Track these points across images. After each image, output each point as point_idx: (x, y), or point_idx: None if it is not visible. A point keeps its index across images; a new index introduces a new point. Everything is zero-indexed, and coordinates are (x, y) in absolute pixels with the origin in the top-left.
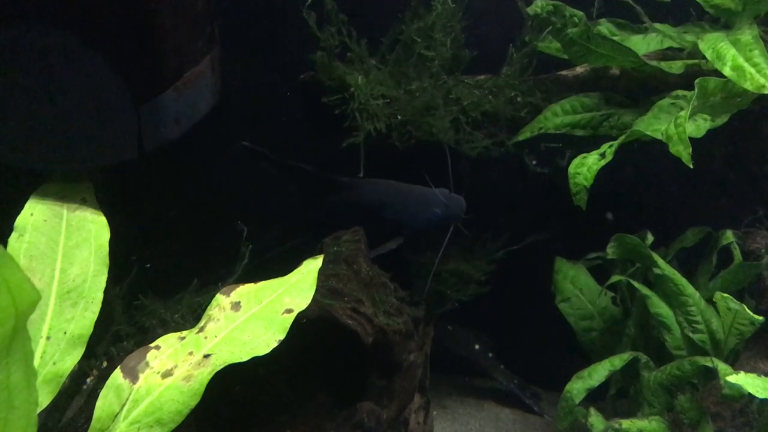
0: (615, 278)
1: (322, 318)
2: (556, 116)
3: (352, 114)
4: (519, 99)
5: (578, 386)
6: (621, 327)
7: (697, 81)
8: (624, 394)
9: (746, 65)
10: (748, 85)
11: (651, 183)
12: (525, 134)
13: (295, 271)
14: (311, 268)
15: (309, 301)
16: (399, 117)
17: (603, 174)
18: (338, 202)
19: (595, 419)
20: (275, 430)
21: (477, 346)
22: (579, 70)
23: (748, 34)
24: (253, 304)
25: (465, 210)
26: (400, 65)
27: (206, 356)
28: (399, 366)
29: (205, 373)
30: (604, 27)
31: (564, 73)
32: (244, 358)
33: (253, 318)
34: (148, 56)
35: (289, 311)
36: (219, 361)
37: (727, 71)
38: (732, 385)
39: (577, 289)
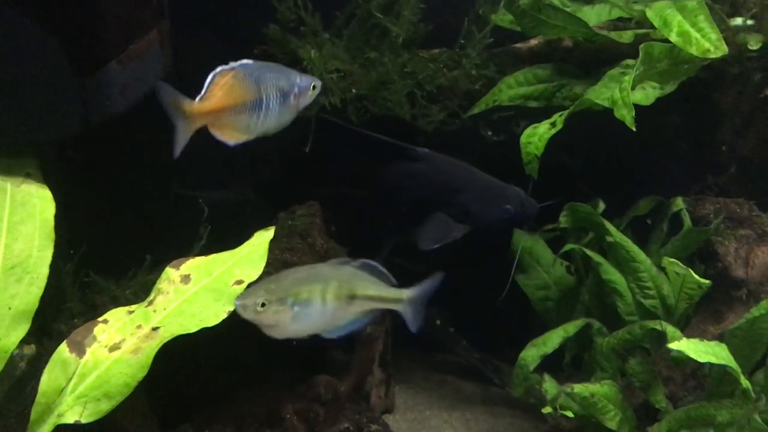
0: (568, 246)
1: None
2: (510, 88)
3: None
4: (474, 72)
5: (532, 353)
6: (576, 295)
7: (641, 46)
8: (579, 361)
9: (692, 30)
10: (693, 50)
11: (606, 153)
12: (480, 107)
13: (247, 242)
14: (262, 239)
15: (260, 272)
16: (354, 91)
17: (557, 144)
18: (410, 173)
19: (549, 385)
20: (235, 404)
21: (438, 322)
22: (533, 42)
23: (694, 0)
24: (204, 277)
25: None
26: (355, 39)
27: (155, 329)
28: (356, 339)
29: (153, 345)
30: None
31: (518, 45)
32: (193, 329)
33: (203, 290)
34: (91, 28)
35: (239, 282)
36: (167, 333)
37: (673, 37)
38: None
39: (533, 260)
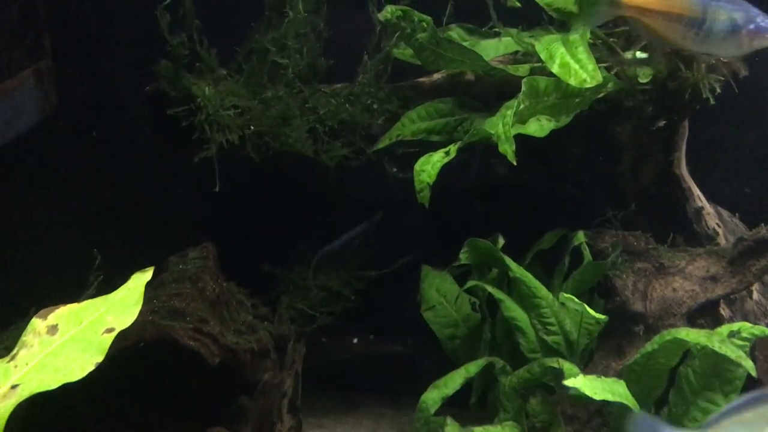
0: (470, 283)
1: (162, 340)
2: (413, 123)
3: (201, 126)
4: (376, 107)
5: (433, 396)
6: (481, 332)
7: (524, 80)
8: (486, 401)
9: (571, 62)
10: (572, 81)
11: (516, 186)
12: (384, 142)
13: (122, 286)
14: (139, 282)
15: (134, 317)
16: (252, 128)
17: (463, 178)
18: None
19: (452, 428)
20: None
21: (355, 340)
22: (436, 76)
23: (576, 33)
24: (72, 326)
25: None
26: (255, 75)
27: (14, 387)
28: (253, 386)
29: (8, 405)
30: (455, 32)
31: (421, 80)
32: (54, 386)
33: (71, 341)
34: None
35: (110, 330)
36: (25, 392)
37: (555, 69)
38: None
39: (441, 296)
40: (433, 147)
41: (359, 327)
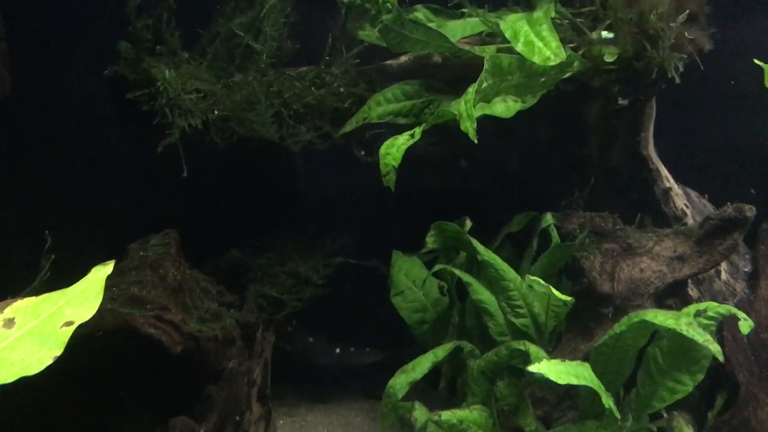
0: (438, 267)
1: (121, 329)
2: (379, 105)
3: (162, 110)
4: (342, 90)
5: (401, 381)
6: (450, 317)
7: (486, 58)
8: (455, 386)
9: (535, 40)
10: (536, 59)
11: (485, 170)
12: (351, 125)
13: (82, 279)
14: (99, 275)
15: (94, 311)
16: (216, 112)
17: (433, 163)
18: None
19: (419, 413)
20: None
21: (337, 350)
22: (403, 59)
23: (540, 11)
24: (30, 319)
25: None
26: (219, 59)
27: None
28: (218, 374)
29: None
30: (420, 13)
31: (389, 62)
32: (11, 379)
33: (28, 334)
34: None
35: (69, 324)
36: None
37: (519, 47)
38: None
39: (410, 281)
40: (401, 130)
41: None
